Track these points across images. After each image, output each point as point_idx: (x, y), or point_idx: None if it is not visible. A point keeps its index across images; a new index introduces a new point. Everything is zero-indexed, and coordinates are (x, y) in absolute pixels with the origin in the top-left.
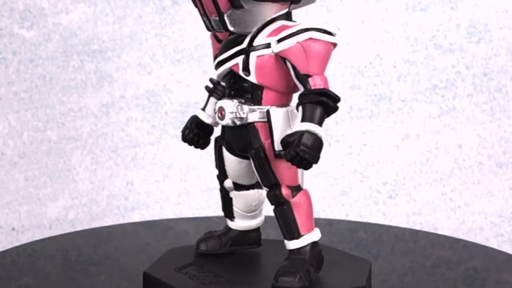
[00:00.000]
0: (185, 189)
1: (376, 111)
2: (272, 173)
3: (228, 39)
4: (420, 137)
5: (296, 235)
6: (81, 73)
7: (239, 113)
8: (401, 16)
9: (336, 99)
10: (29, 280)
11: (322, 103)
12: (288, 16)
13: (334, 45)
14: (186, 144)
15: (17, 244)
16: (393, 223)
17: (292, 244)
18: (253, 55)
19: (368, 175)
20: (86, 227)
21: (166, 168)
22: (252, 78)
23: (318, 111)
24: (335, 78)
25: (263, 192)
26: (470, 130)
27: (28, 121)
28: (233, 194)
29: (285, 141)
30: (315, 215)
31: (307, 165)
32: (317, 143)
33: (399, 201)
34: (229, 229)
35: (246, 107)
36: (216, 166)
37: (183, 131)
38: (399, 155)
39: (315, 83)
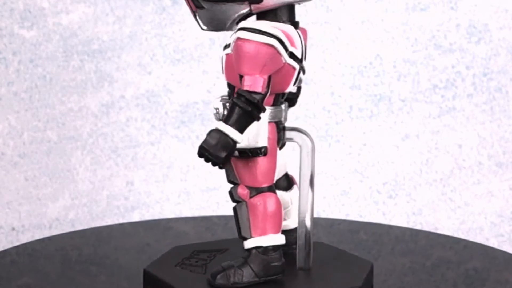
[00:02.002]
0: (185, 189)
1: (376, 111)
2: (232, 171)
3: None
4: (420, 137)
5: (247, 235)
6: (81, 73)
7: (218, 109)
8: (401, 16)
9: (253, 102)
10: (29, 280)
11: (239, 105)
12: (271, 15)
13: (268, 45)
14: (186, 144)
15: (17, 244)
16: (393, 223)
17: (245, 244)
18: (223, 54)
19: (368, 175)
20: (86, 227)
21: (166, 168)
22: (224, 76)
23: (235, 112)
24: (335, 78)
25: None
26: (470, 130)
27: (28, 121)
28: None
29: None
30: (315, 215)
31: (213, 164)
32: (223, 143)
33: (399, 201)
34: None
35: (221, 104)
36: None
37: None
38: (399, 155)
39: (244, 83)
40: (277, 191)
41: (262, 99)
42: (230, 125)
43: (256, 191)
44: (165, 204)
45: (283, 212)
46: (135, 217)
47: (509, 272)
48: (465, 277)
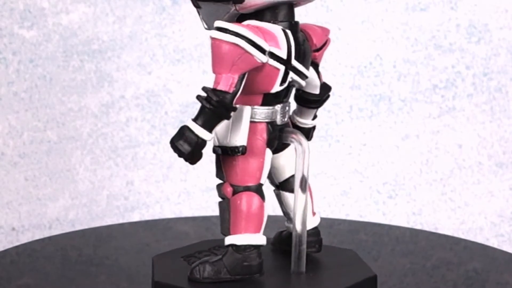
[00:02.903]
0: (185, 189)
1: (376, 111)
2: (220, 168)
3: None
4: (420, 137)
5: (226, 232)
6: (81, 73)
7: None
8: (401, 16)
9: (217, 100)
10: (29, 280)
11: (202, 103)
12: (260, 15)
13: (235, 45)
14: None
15: (17, 244)
16: (393, 223)
17: (224, 240)
18: None
19: (368, 175)
20: (86, 227)
21: (166, 168)
22: None
23: (201, 109)
24: (335, 78)
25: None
26: (470, 130)
27: (28, 121)
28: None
29: None
30: None
31: (184, 159)
32: (188, 139)
33: (399, 201)
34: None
35: None
36: None
37: None
38: (399, 155)
39: (213, 81)
40: (284, 193)
41: (230, 98)
42: (196, 122)
43: (238, 189)
44: (165, 204)
45: (291, 213)
46: (135, 217)
47: (509, 273)
48: (465, 278)
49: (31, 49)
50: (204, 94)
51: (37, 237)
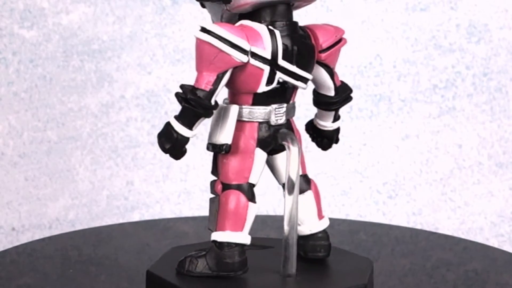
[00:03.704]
0: (185, 189)
1: (376, 111)
2: (215, 165)
3: None
4: (420, 137)
5: (212, 228)
6: (81, 73)
7: None
8: (401, 16)
9: (192, 98)
10: (29, 280)
11: (178, 100)
12: (254, 15)
13: (210, 44)
14: None
15: (17, 244)
16: (393, 223)
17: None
18: None
19: (368, 175)
20: (86, 227)
21: (166, 168)
22: None
23: (181, 106)
24: None
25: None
26: (470, 130)
27: (28, 121)
28: None
29: None
30: None
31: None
32: (167, 135)
33: (399, 201)
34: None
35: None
36: None
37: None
38: (399, 155)
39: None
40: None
41: (207, 96)
42: (177, 119)
43: (226, 187)
44: (165, 204)
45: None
46: (135, 217)
47: (509, 274)
48: (465, 279)
49: (31, 49)
50: (181, 91)
51: (37, 237)
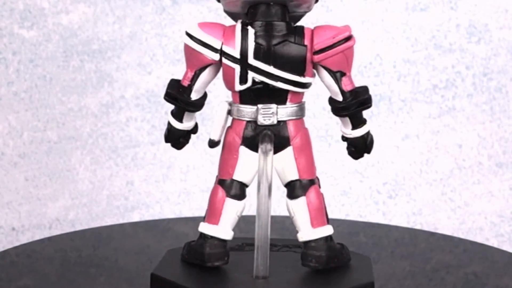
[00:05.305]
0: (185, 189)
1: (376, 111)
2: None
3: None
4: (420, 137)
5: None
6: (81, 73)
7: None
8: (401, 16)
9: (168, 91)
10: (29, 281)
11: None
12: (248, 16)
13: (186, 44)
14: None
15: (17, 244)
16: (393, 223)
17: None
18: None
19: (368, 175)
20: (86, 227)
21: (166, 168)
22: None
23: None
24: None
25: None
26: (470, 130)
27: (28, 121)
28: None
29: None
30: None
31: None
32: (167, 125)
33: (399, 201)
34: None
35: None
36: None
37: None
38: (399, 155)
39: None
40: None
41: (186, 91)
42: (171, 112)
43: (216, 182)
44: (165, 204)
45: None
46: (135, 217)
47: (509, 276)
48: (464, 282)
49: (31, 49)
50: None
51: (37, 237)
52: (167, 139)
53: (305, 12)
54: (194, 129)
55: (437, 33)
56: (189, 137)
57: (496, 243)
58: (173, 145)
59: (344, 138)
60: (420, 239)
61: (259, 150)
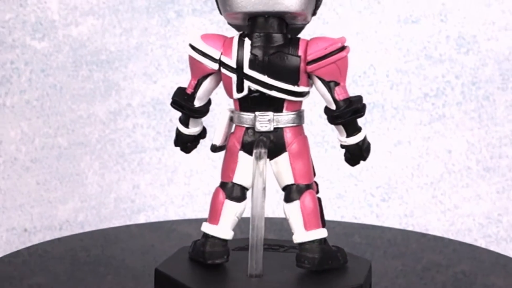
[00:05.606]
0: (189, 192)
1: (370, 118)
2: None
3: None
4: (412, 143)
5: None
6: (90, 82)
7: None
8: (394, 28)
9: (174, 98)
10: (40, 279)
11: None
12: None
13: (189, 54)
14: None
15: (29, 244)
16: (386, 224)
17: None
18: None
19: (362, 179)
20: (95, 229)
21: (171, 173)
22: None
23: None
24: None
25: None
26: (459, 136)
27: (40, 128)
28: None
29: None
30: None
31: None
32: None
33: (392, 204)
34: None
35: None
36: None
37: None
38: (392, 160)
39: None
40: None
41: (190, 98)
42: (179, 117)
43: (218, 184)
44: (169, 207)
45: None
46: (141, 219)
47: (495, 275)
48: (453, 280)
49: (43, 59)
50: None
51: (48, 238)
52: (176, 144)
53: (304, 25)
54: (202, 134)
55: (428, 44)
56: (197, 142)
57: (484, 243)
58: (182, 149)
59: (342, 146)
60: (412, 240)
61: (253, 154)
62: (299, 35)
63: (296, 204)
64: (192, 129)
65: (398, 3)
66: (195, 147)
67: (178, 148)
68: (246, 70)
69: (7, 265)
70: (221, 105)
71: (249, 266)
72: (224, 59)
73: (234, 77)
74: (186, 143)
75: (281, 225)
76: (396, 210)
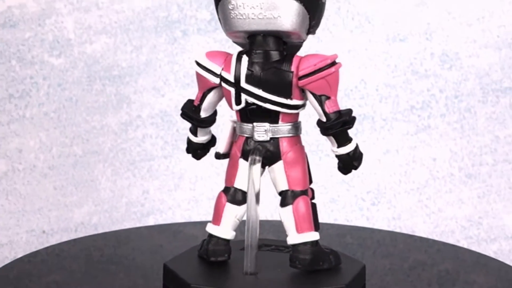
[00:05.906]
0: (194, 197)
1: (360, 128)
2: None
3: None
4: (399, 152)
5: None
6: (103, 96)
7: None
8: (383, 46)
9: (183, 109)
10: (57, 277)
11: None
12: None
13: (195, 71)
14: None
15: (47, 245)
16: (376, 226)
17: None
18: None
19: (354, 184)
20: (107, 230)
21: (177, 179)
22: None
23: None
24: None
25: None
26: (443, 146)
27: (57, 138)
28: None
29: None
30: None
31: None
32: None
33: (381, 208)
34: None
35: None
36: None
37: None
38: (381, 168)
39: None
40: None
41: (197, 110)
42: (189, 127)
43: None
44: (176, 210)
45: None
46: (150, 221)
47: (476, 273)
48: (438, 278)
49: (59, 74)
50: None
51: (64, 239)
52: (187, 151)
53: (300, 42)
54: (212, 142)
55: (414, 60)
56: (207, 150)
57: (465, 244)
58: (193, 156)
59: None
60: (399, 241)
61: (248, 161)
62: (298, 53)
63: (289, 208)
64: (201, 138)
65: (387, 23)
66: (205, 154)
67: (187, 156)
68: (243, 84)
69: (27, 264)
70: (224, 116)
71: (245, 264)
72: (224, 74)
73: (232, 90)
74: (196, 150)
75: (279, 227)
76: (385, 213)
